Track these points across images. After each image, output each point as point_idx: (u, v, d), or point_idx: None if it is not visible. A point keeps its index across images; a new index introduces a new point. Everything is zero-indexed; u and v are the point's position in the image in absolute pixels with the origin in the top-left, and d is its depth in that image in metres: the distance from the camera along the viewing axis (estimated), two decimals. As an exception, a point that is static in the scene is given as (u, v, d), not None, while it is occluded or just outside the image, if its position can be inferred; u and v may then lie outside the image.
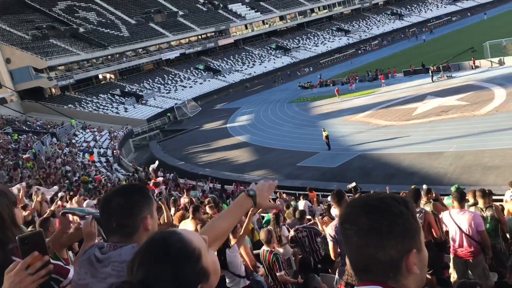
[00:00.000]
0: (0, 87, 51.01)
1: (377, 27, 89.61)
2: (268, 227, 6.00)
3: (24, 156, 25.85)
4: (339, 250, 4.57)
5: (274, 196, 16.75)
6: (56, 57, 55.23)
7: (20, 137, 35.71)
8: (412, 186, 12.65)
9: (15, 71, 52.85)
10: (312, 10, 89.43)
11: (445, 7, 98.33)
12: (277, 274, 5.23)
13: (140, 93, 58.70)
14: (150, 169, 17.09)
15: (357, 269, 1.30)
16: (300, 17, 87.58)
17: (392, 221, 1.24)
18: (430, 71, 39.79)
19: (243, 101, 54.03)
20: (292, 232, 6.62)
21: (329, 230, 4.33)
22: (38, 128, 42.16)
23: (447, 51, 50.18)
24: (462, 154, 20.77)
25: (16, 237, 1.57)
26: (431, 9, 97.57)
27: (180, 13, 76.27)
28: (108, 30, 66.07)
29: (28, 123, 44.30)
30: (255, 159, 29.46)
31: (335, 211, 5.68)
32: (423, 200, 6.78)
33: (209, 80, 66.26)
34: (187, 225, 6.11)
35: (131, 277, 1.21)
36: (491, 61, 38.83)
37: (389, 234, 1.23)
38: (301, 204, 11.27)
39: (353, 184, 10.33)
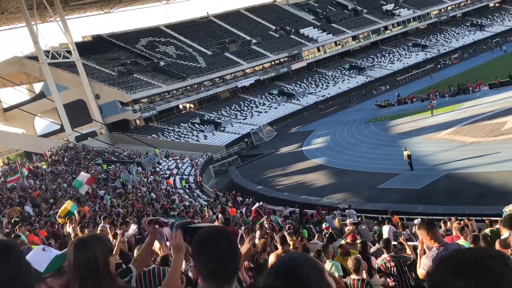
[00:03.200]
0: (91, 121, 55.07)
1: (457, 40, 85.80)
2: (356, 255, 5.85)
3: (117, 191, 27.35)
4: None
5: (357, 220, 16.33)
6: (140, 91, 58.80)
7: (109, 167, 38.06)
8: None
9: (104, 105, 56.86)
10: (385, 28, 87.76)
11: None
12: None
13: (218, 121, 60.52)
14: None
15: None
16: (374, 35, 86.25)
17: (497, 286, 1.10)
18: (518, 82, 37.26)
19: (318, 123, 53.80)
20: (379, 261, 6.40)
21: (425, 260, 4.12)
22: (125, 158, 44.70)
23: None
24: None
25: None
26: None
27: (254, 41, 78.27)
28: (187, 62, 69.34)
29: (116, 153, 47.15)
30: (333, 182, 29.00)
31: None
32: None
33: (283, 104, 66.90)
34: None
35: (269, 283, 1.36)
36: None
37: None
38: (386, 229, 10.87)
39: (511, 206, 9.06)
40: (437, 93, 46.35)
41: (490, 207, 17.19)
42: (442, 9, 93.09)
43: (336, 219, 16.25)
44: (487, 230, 7.99)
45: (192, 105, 67.04)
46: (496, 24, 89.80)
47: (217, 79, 68.95)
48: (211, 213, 17.39)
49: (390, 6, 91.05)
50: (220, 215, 15.82)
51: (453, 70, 64.05)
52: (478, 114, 33.86)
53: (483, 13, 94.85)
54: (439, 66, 72.60)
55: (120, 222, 14.88)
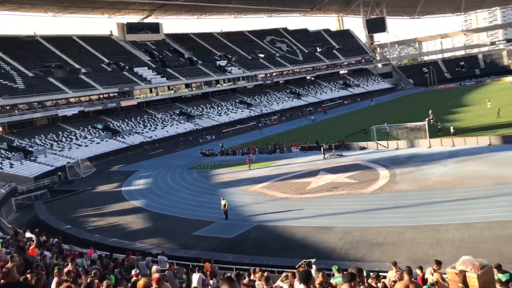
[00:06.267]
0: None
1: (277, 103, 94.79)
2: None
3: None
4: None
5: (165, 267, 16.08)
6: None
7: None
8: (351, 270, 12.78)
9: None
10: (217, 81, 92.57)
11: (338, 91, 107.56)
12: None
13: (30, 149, 54.89)
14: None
15: None
16: (206, 86, 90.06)
17: None
18: (322, 149, 42.46)
19: (141, 164, 52.79)
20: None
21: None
22: None
23: (339, 131, 54.17)
24: (350, 230, 21.88)
25: None
26: (325, 92, 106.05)
27: (83, 70, 74.54)
28: (1, 80, 62.19)
29: None
30: (149, 226, 28.37)
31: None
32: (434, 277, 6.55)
33: (107, 140, 64.20)
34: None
35: None
36: (377, 144, 42.58)
37: None
38: (195, 278, 10.95)
39: (312, 260, 9.44)
40: (256, 149, 49.86)
41: (292, 259, 18.75)
42: (268, 74, 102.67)
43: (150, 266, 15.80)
44: (285, 285, 8.61)
45: (0, 128, 59.69)
46: (311, 95, 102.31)
47: (35, 103, 63.15)
48: (4, 252, 15.26)
49: (223, 63, 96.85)
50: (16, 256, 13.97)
51: (271, 130, 70.01)
52: (288, 172, 37.35)
53: (301, 83, 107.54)
54: (260, 124, 78.59)
55: None
